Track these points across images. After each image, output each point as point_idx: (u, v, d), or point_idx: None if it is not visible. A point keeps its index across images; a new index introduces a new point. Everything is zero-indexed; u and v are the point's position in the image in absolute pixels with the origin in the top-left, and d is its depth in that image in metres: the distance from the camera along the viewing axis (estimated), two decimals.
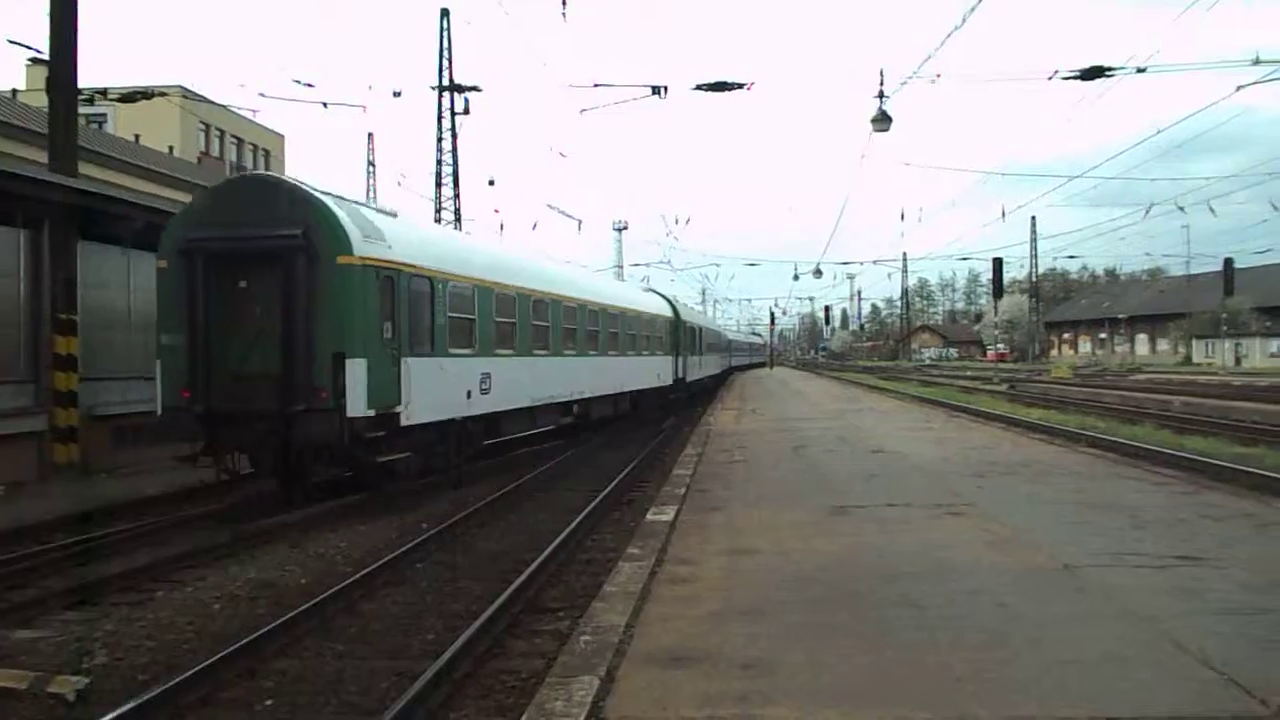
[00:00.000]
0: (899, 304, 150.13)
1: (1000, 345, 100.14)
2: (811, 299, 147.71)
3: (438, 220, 45.57)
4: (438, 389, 15.22)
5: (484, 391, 16.98)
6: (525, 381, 19.01)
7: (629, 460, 19.10)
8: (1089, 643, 5.55)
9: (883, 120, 22.09)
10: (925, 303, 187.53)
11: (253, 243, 13.24)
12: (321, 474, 14.23)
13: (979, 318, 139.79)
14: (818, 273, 70.04)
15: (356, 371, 13.14)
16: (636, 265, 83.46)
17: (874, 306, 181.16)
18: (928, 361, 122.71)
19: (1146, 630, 5.79)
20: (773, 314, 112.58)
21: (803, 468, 14.20)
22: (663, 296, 38.05)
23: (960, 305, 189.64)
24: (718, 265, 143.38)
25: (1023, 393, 39.70)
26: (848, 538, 8.71)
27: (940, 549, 8.10)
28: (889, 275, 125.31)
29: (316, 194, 13.65)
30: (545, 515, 13.89)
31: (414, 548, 11.11)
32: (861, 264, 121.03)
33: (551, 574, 10.02)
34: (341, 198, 14.28)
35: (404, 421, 14.12)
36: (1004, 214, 58.09)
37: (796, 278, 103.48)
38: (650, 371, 30.28)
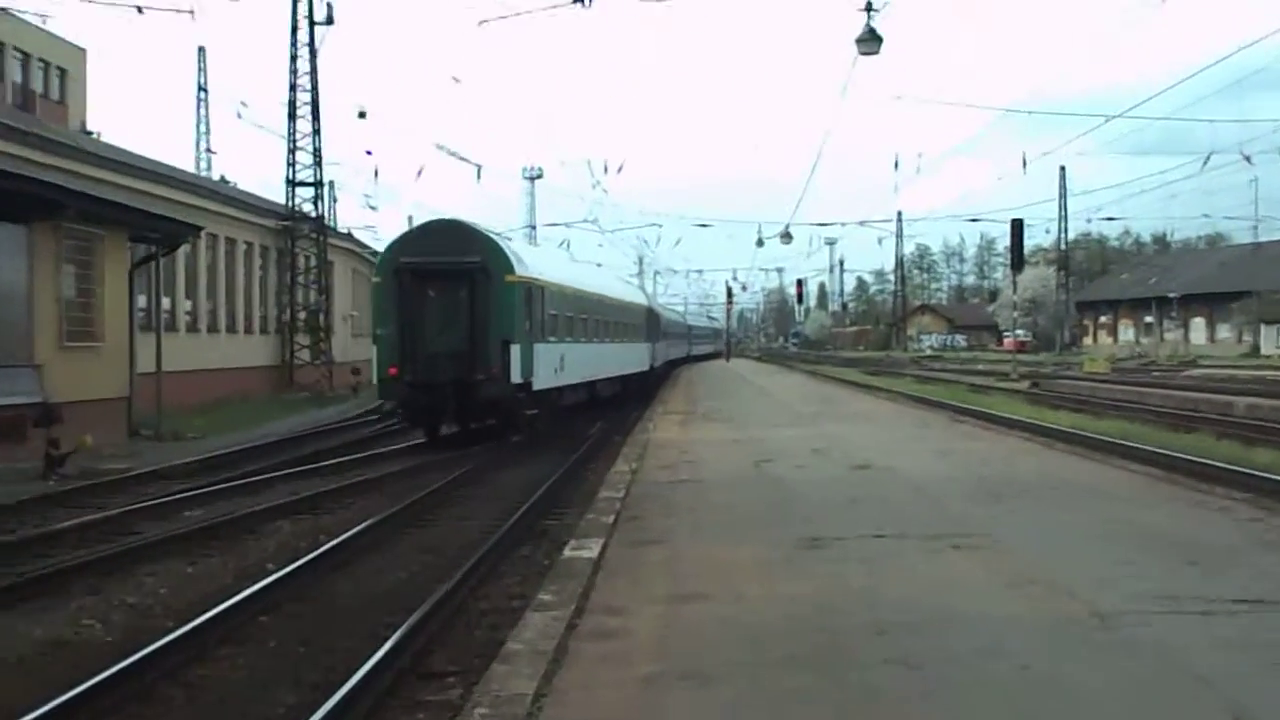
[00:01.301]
0: (892, 277, 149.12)
1: (1020, 331, 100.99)
2: (780, 270, 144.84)
3: (291, 161, 45.44)
4: (546, 365, 26.46)
5: (560, 370, 28.19)
6: (577, 363, 30.33)
7: (542, 479, 19.05)
8: None
9: (870, 40, 22.25)
10: (926, 276, 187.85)
11: (446, 266, 24.16)
12: (488, 420, 25.48)
13: (994, 295, 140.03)
14: (787, 237, 68.77)
15: (515, 353, 24.15)
16: (554, 226, 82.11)
17: (860, 281, 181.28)
18: (928, 352, 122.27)
19: (1212, 702, 5.84)
20: (730, 289, 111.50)
21: (766, 488, 14.29)
22: (639, 289, 55.72)
23: (970, 279, 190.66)
24: (659, 226, 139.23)
25: (1048, 391, 40.25)
26: (823, 579, 8.75)
27: (942, 593, 8.16)
28: (879, 241, 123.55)
29: (489, 233, 26.06)
30: (433, 550, 13.80)
31: (258, 593, 10.94)
32: (844, 225, 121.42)
33: (440, 627, 9.92)
34: (500, 234, 27.24)
35: (534, 388, 25.26)
36: (1025, 163, 58.99)
37: (761, 243, 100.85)
38: (636, 357, 43.06)
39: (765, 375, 59.69)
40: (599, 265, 57.86)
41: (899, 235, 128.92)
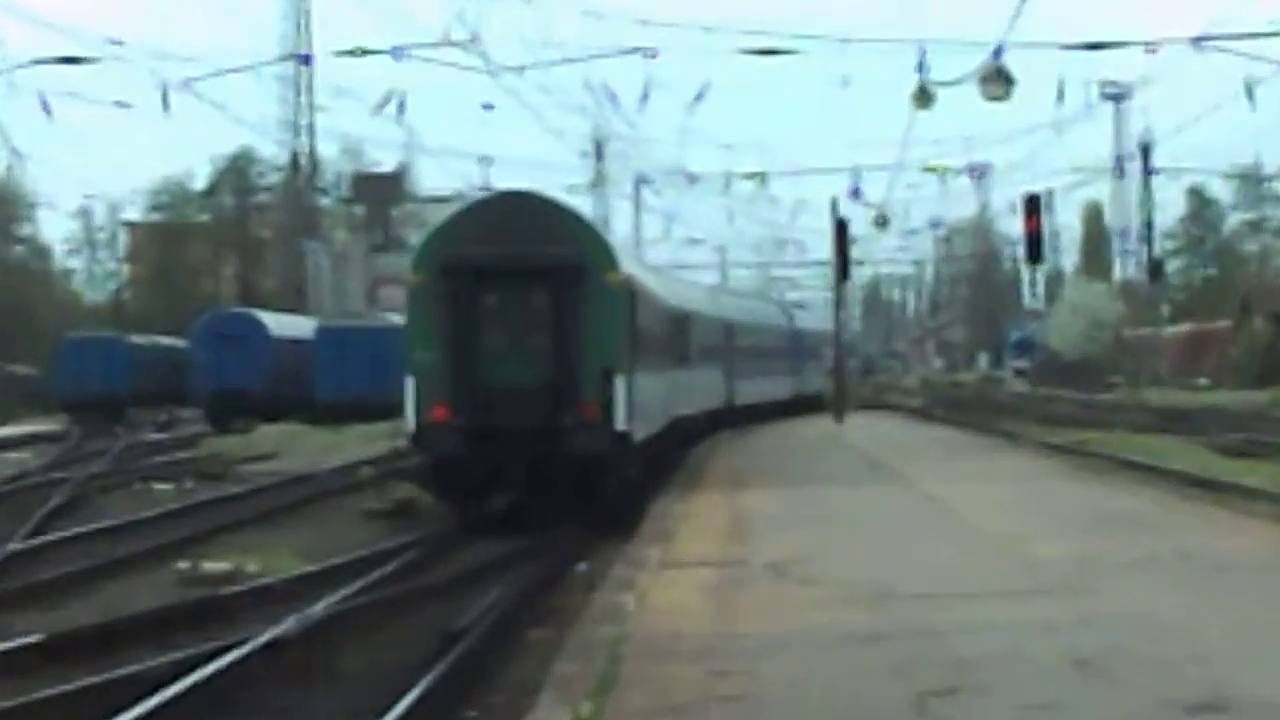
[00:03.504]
0: None
1: None
2: (980, 175, 74.81)
3: None
4: (643, 406, 21.55)
5: (647, 416, 22.55)
6: (653, 405, 23.89)
7: None
8: None
9: None
10: None
11: (522, 260, 19.75)
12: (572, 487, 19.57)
13: None
14: (997, 80, 30.73)
15: (619, 388, 19.55)
16: (360, 55, 41.23)
17: (1197, 198, 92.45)
18: None
19: None
20: (842, 222, 44.29)
21: None
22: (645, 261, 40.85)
23: None
24: (648, 56, 41.50)
25: None
26: None
27: None
28: (1248, 90, 43.84)
29: (578, 213, 22.86)
30: None
31: None
32: (1148, 49, 43.28)
33: None
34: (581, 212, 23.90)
35: (634, 439, 20.60)
36: None
37: (927, 98, 34.26)
38: (680, 396, 29.44)
39: (937, 456, 30.29)
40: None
41: None
